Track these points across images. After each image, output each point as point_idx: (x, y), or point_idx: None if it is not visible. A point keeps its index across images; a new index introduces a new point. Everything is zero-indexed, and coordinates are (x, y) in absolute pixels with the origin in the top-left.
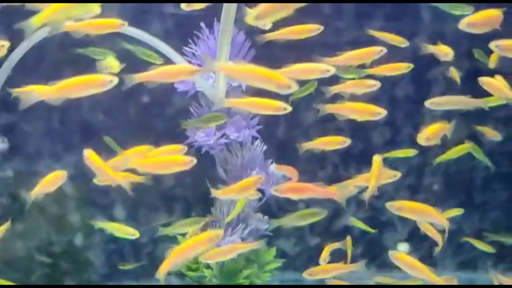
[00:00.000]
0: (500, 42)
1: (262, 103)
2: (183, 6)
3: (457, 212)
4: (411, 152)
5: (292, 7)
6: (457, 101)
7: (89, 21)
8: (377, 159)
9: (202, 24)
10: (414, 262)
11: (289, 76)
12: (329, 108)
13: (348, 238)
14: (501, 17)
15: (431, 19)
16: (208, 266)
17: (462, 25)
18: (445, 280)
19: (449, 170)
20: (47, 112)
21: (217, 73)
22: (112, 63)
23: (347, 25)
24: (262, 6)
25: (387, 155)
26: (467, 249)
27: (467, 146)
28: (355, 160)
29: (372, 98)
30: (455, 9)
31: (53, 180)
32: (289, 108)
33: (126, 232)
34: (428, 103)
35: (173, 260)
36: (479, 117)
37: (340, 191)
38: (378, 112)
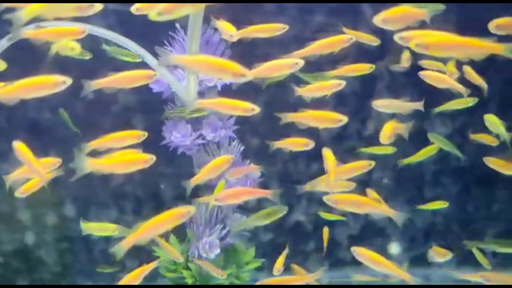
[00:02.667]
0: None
1: (231, 104)
2: (133, 9)
3: (442, 205)
4: (389, 149)
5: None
6: (397, 105)
7: (49, 28)
8: (326, 151)
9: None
10: (378, 257)
11: (260, 75)
12: (291, 117)
13: (325, 229)
14: (418, 13)
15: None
16: (187, 268)
17: (377, 20)
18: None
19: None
20: None
21: (188, 74)
22: (71, 44)
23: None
24: (165, 4)
25: (364, 150)
26: (420, 244)
27: (435, 147)
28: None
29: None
30: (427, 7)
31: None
32: (257, 109)
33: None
34: (373, 104)
35: (140, 235)
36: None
37: (272, 191)
38: (339, 119)
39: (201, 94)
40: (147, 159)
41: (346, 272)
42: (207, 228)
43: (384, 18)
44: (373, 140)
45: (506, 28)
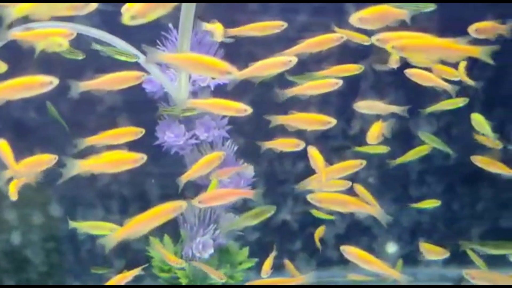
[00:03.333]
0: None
1: (223, 104)
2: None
3: (434, 203)
4: (383, 149)
5: (169, 6)
6: (379, 107)
7: (36, 30)
8: (311, 150)
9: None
10: (368, 256)
11: (254, 74)
12: (281, 119)
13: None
14: (396, 13)
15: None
16: (181, 268)
17: (353, 20)
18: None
19: (385, 164)
20: None
21: (179, 74)
22: (58, 40)
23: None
24: (138, 6)
25: (358, 149)
26: (407, 243)
27: (427, 147)
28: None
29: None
30: (418, 9)
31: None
32: (250, 110)
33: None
34: (355, 106)
35: (130, 229)
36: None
37: (254, 191)
38: (328, 121)
39: (195, 94)
40: (137, 159)
41: (333, 272)
42: (200, 228)
43: (360, 17)
44: (358, 139)
45: (485, 32)
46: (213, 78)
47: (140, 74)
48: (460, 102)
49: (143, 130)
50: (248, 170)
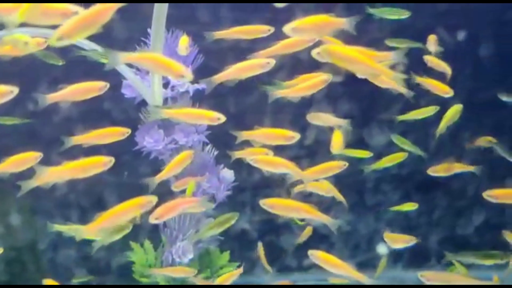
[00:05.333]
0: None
1: (197, 114)
2: None
3: (411, 206)
4: (366, 153)
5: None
6: (328, 119)
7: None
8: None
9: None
10: (336, 261)
11: (232, 77)
12: (245, 135)
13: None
14: (335, 23)
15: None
16: None
17: (287, 30)
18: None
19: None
20: None
21: (152, 79)
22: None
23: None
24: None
25: (339, 153)
26: (364, 250)
27: (402, 154)
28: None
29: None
30: (392, 14)
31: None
32: (223, 118)
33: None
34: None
35: (101, 223)
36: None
37: (201, 198)
38: (291, 136)
39: (174, 99)
40: (105, 162)
41: (293, 278)
42: (180, 233)
43: (294, 27)
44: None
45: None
46: (191, 83)
47: (103, 84)
48: (432, 110)
49: (129, 131)
50: (228, 174)
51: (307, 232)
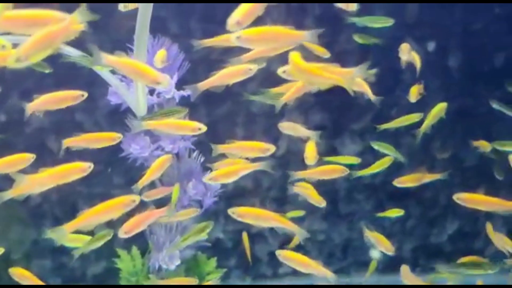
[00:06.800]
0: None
1: (178, 124)
2: (121, 6)
3: (397, 213)
4: (354, 160)
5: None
6: (298, 129)
7: None
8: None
9: None
10: (303, 258)
11: (216, 83)
12: (221, 148)
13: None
14: (288, 36)
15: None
16: (147, 278)
17: (232, 38)
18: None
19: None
20: None
21: (136, 88)
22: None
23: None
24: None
25: (329, 159)
26: (338, 258)
27: (389, 159)
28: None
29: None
30: (375, 23)
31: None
32: (204, 128)
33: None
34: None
35: (82, 221)
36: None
37: (166, 208)
38: (267, 148)
39: (160, 106)
40: (84, 168)
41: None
42: (167, 240)
43: (239, 36)
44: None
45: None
46: (178, 90)
47: (80, 93)
48: (416, 118)
49: (121, 136)
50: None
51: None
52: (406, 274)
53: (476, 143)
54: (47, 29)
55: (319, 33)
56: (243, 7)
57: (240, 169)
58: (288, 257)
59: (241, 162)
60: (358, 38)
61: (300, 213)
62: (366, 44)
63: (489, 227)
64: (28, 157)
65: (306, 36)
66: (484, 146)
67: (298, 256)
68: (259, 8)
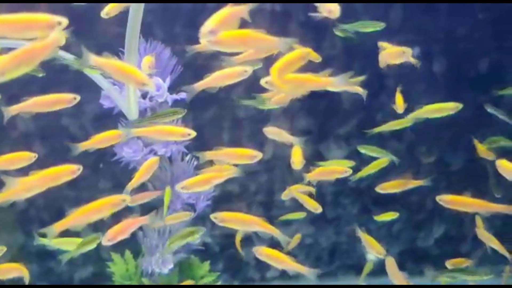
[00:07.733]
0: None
1: (167, 130)
2: (103, 13)
3: (392, 216)
4: (348, 163)
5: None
6: (282, 135)
7: None
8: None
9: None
10: (279, 255)
11: (211, 85)
12: (209, 155)
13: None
14: (261, 40)
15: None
16: (141, 282)
17: (202, 38)
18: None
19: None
20: None
21: (127, 92)
22: None
23: None
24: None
25: (322, 163)
26: (326, 264)
27: (385, 160)
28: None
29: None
30: (366, 27)
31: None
32: (193, 134)
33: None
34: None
35: (71, 221)
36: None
37: (148, 216)
38: (254, 155)
39: (153, 109)
40: (74, 170)
41: None
42: (160, 243)
43: (216, 41)
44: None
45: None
46: (170, 94)
47: (72, 96)
48: (406, 122)
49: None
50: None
51: (296, 239)
52: (391, 267)
53: (480, 151)
54: (27, 46)
55: (294, 42)
56: (217, 15)
57: (213, 178)
58: (264, 253)
59: (229, 168)
60: (339, 32)
61: (300, 215)
62: (350, 44)
63: (478, 221)
64: (29, 156)
65: (279, 43)
66: (487, 154)
67: (274, 252)
68: (234, 16)
